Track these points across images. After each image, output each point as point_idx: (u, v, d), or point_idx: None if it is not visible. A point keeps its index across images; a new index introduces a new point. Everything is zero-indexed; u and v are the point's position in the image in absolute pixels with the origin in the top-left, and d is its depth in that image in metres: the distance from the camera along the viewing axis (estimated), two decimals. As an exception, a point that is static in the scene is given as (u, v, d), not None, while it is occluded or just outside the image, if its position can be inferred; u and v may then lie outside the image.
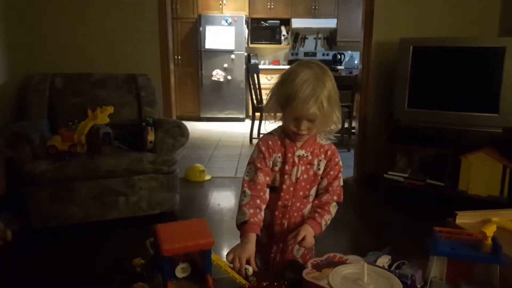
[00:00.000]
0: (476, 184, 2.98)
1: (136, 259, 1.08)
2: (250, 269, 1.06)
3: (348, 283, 0.82)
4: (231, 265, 1.06)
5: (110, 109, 2.85)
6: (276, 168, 1.26)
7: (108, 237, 2.57)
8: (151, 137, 2.76)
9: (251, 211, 1.18)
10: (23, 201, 2.55)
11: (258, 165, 1.23)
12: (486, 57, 2.94)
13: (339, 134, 5.34)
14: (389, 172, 3.32)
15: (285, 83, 1.19)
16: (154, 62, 3.55)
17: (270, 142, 1.25)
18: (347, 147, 4.88)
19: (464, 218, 1.24)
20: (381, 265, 1.10)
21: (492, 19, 3.40)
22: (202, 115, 6.92)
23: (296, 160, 1.24)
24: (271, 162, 1.25)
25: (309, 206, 1.30)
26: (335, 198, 1.28)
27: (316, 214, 1.24)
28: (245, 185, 1.23)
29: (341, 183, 1.31)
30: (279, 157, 1.25)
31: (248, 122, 6.22)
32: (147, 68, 3.41)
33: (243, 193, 1.22)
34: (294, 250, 1.31)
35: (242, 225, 1.16)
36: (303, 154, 1.25)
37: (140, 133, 2.84)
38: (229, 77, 6.79)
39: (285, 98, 1.17)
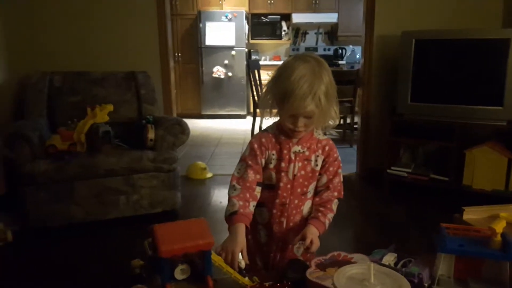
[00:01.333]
0: (481, 178, 2.94)
1: (135, 260, 1.05)
2: (243, 263, 1.04)
3: (353, 284, 0.79)
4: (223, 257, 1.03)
5: (110, 107, 2.82)
6: (271, 166, 1.22)
7: (108, 237, 2.55)
8: (151, 135, 2.73)
9: (241, 203, 1.15)
10: (23, 201, 2.52)
11: (249, 162, 1.20)
12: (490, 49, 2.90)
13: (341, 130, 5.31)
14: (392, 167, 3.28)
15: (280, 78, 1.15)
16: (154, 59, 3.52)
17: (263, 140, 1.22)
18: (349, 143, 4.85)
19: (471, 214, 1.21)
20: (387, 263, 1.07)
21: (495, 11, 3.35)
22: (203, 112, 6.88)
23: (293, 156, 1.21)
24: (263, 160, 1.22)
25: (307, 203, 1.26)
26: (336, 194, 1.26)
27: (319, 214, 1.21)
28: (235, 180, 1.20)
29: (341, 179, 1.28)
30: (273, 154, 1.22)
31: (249, 118, 6.18)
32: (147, 66, 3.38)
33: (232, 187, 1.19)
34: (295, 248, 1.28)
35: (231, 216, 1.13)
36: (299, 150, 1.21)
37: (140, 131, 2.81)
38: (229, 74, 6.75)
39: (281, 95, 1.13)
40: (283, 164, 1.21)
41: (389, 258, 1.09)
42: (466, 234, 1.01)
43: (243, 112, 6.85)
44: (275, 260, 1.28)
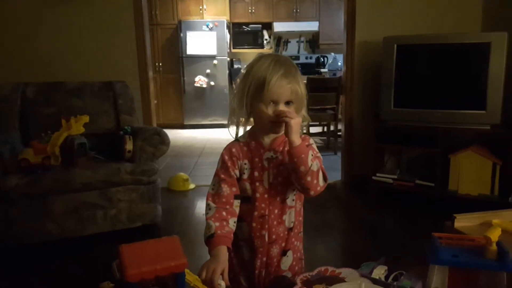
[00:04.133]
0: (466, 183, 2.92)
1: (105, 282, 0.96)
2: (223, 284, 0.96)
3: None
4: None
5: (85, 118, 2.71)
6: (245, 176, 1.15)
7: (83, 255, 2.43)
8: (129, 146, 2.63)
9: (217, 224, 1.07)
10: (-7, 219, 2.39)
11: (222, 176, 1.14)
12: (471, 53, 2.90)
13: (325, 137, 5.28)
14: (378, 174, 3.24)
15: (252, 72, 1.11)
16: (132, 69, 3.44)
17: (233, 150, 1.16)
18: (333, 150, 4.82)
19: (463, 221, 1.16)
20: (377, 277, 1.00)
21: (475, 14, 3.37)
22: (186, 123, 6.79)
23: (266, 164, 1.14)
24: (237, 171, 1.15)
25: (289, 212, 1.18)
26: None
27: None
28: (210, 198, 1.13)
29: (322, 164, 1.13)
30: (245, 163, 1.15)
31: (232, 128, 6.09)
32: (125, 76, 3.30)
33: (207, 206, 1.13)
34: (281, 263, 1.20)
35: (209, 240, 1.06)
36: (271, 156, 1.14)
37: (118, 142, 2.71)
38: (212, 83, 6.69)
39: (258, 84, 1.08)
40: (256, 173, 1.14)
41: (379, 271, 1.03)
42: (459, 244, 0.95)
43: (226, 122, 6.75)
44: (260, 277, 1.20)
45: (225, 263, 1.01)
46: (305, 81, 5.02)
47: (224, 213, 1.10)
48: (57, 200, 2.46)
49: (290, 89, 1.08)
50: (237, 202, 1.13)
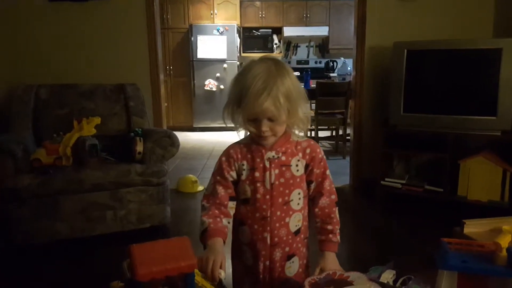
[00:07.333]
0: (476, 189, 2.90)
1: (115, 282, 0.97)
2: (223, 273, 0.97)
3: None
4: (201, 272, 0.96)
5: (97, 120, 2.75)
6: (243, 178, 1.13)
7: (93, 255, 2.45)
8: (139, 147, 2.65)
9: (210, 220, 1.08)
10: (4, 218, 2.42)
11: (217, 177, 1.14)
12: (482, 59, 2.88)
13: (333, 142, 5.28)
14: (386, 179, 3.23)
15: (238, 79, 1.10)
16: (144, 72, 3.47)
17: (231, 151, 1.15)
18: (342, 154, 4.81)
19: (472, 227, 1.15)
20: (385, 281, 1.00)
21: (486, 20, 3.36)
22: (195, 125, 6.83)
23: (267, 164, 1.12)
24: (232, 173, 1.14)
25: (294, 216, 1.15)
26: (333, 197, 1.17)
27: (331, 235, 1.15)
28: (204, 199, 1.14)
29: (331, 180, 1.18)
30: (243, 164, 1.13)
31: (241, 131, 6.13)
32: (137, 79, 3.33)
33: (202, 206, 1.13)
34: (285, 268, 1.17)
35: (203, 234, 1.07)
36: (273, 156, 1.12)
37: (129, 144, 2.73)
38: (221, 87, 6.72)
39: (238, 95, 1.07)
40: (257, 174, 1.12)
41: (388, 275, 1.03)
42: (469, 249, 0.95)
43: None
44: (264, 282, 1.17)
45: (222, 254, 1.01)
46: (314, 86, 4.98)
47: (217, 211, 1.10)
48: (67, 200, 2.49)
49: (266, 105, 1.03)
50: (231, 204, 1.13)
